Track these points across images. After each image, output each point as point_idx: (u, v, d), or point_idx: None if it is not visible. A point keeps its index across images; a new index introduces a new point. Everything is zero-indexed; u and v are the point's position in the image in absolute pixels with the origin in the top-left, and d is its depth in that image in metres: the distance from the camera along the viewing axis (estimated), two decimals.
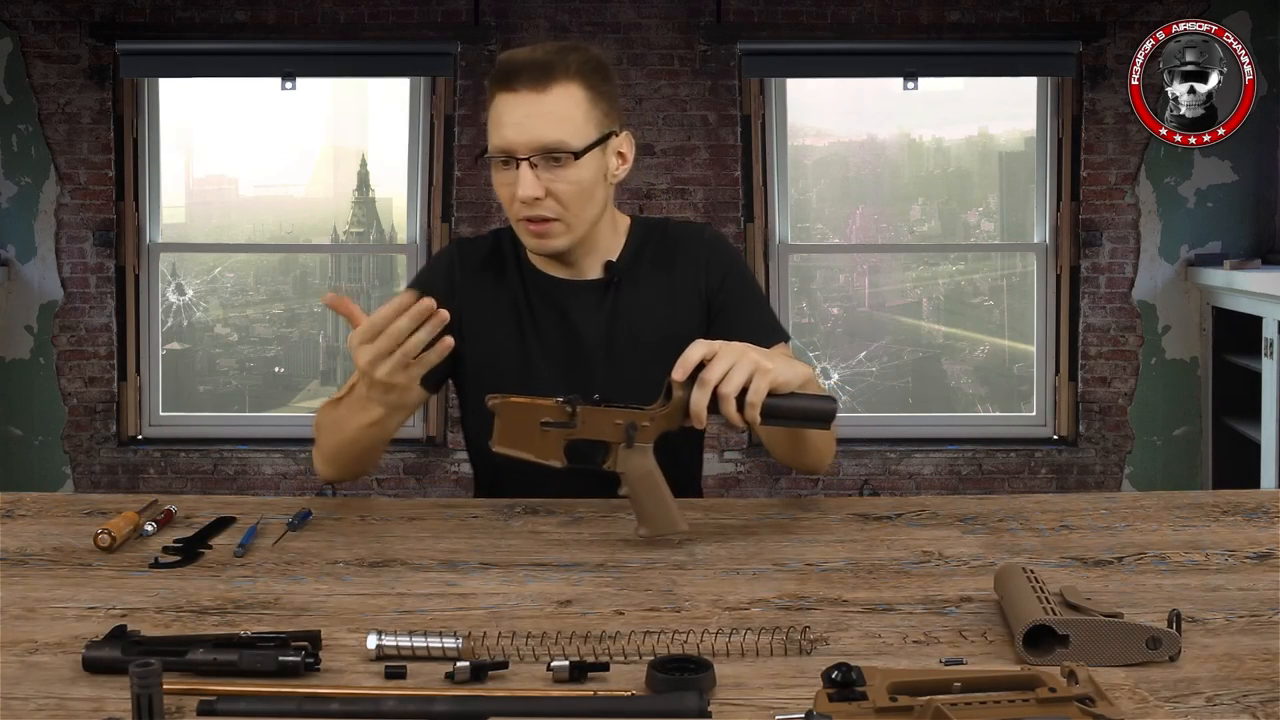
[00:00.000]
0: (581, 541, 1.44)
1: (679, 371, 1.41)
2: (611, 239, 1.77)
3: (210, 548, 1.41)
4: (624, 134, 1.71)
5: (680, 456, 1.78)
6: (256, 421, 4.86)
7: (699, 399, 1.40)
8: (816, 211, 5.00)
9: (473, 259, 1.80)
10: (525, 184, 1.61)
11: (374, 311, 1.42)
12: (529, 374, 1.72)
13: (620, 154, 1.71)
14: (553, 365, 1.73)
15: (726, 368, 1.39)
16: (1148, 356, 4.67)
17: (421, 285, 1.74)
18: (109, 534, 1.39)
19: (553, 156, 1.61)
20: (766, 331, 1.72)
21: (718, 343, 1.42)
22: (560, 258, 1.73)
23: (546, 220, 1.65)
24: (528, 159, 1.61)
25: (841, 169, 5.01)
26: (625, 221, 1.80)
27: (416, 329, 1.40)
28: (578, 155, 1.63)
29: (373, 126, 5.03)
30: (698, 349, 1.41)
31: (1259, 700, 0.97)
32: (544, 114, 1.61)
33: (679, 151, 4.62)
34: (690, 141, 4.63)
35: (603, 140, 1.66)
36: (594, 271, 1.75)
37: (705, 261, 1.78)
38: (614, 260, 1.76)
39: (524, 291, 1.76)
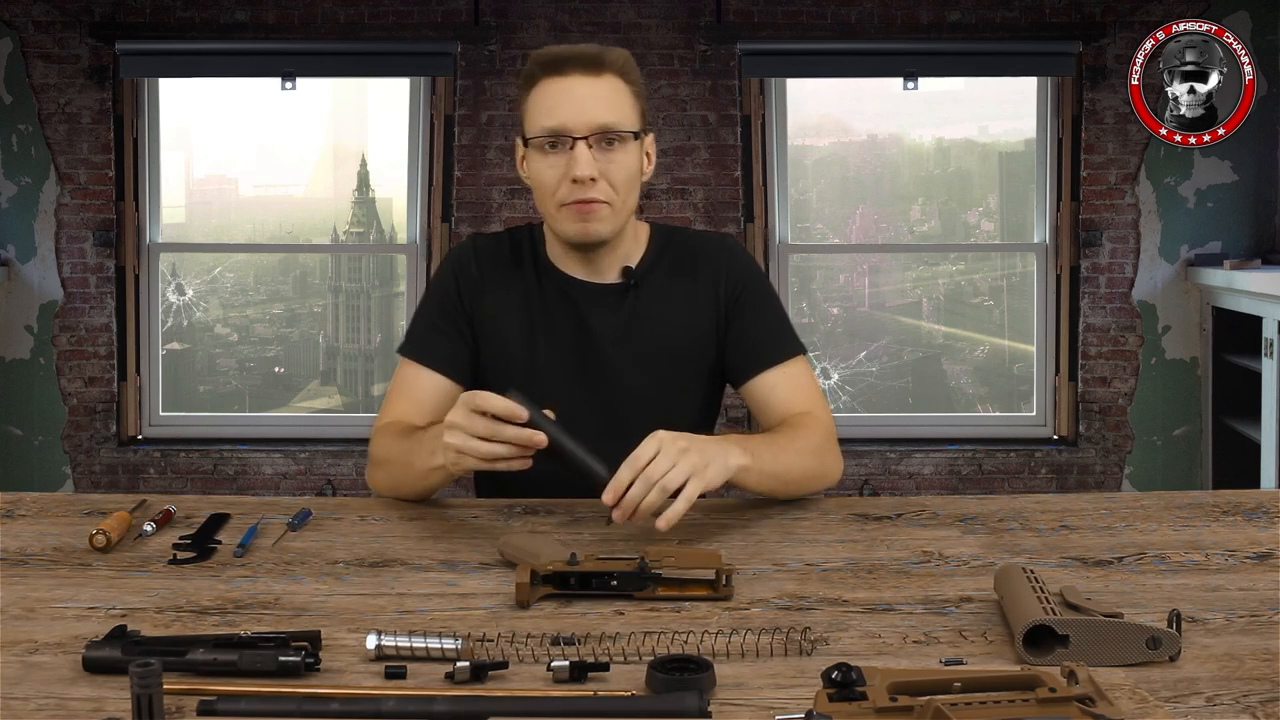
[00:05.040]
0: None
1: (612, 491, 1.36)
2: (632, 244, 1.77)
3: (220, 543, 1.42)
4: (650, 135, 1.73)
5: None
6: (256, 421, 4.86)
7: (637, 492, 1.35)
8: (816, 211, 5.00)
9: (489, 254, 1.79)
10: (583, 163, 1.62)
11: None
12: (534, 368, 1.73)
13: (648, 154, 1.73)
14: (562, 363, 1.73)
15: (668, 466, 1.36)
16: (1148, 356, 4.67)
17: (440, 291, 1.75)
18: (104, 534, 1.39)
19: (607, 139, 1.63)
20: (781, 343, 1.75)
21: (661, 436, 1.39)
22: (584, 256, 1.73)
23: (596, 201, 1.65)
24: (585, 138, 1.62)
25: (841, 169, 5.00)
26: (645, 229, 1.81)
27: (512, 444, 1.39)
28: (636, 136, 1.66)
29: (373, 126, 5.02)
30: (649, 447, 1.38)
31: (1259, 700, 0.97)
32: (599, 96, 1.63)
33: (679, 151, 4.62)
34: (690, 141, 4.62)
35: (642, 134, 1.69)
36: (612, 275, 1.76)
37: (726, 269, 1.78)
38: (632, 266, 1.76)
39: (540, 288, 1.76)
